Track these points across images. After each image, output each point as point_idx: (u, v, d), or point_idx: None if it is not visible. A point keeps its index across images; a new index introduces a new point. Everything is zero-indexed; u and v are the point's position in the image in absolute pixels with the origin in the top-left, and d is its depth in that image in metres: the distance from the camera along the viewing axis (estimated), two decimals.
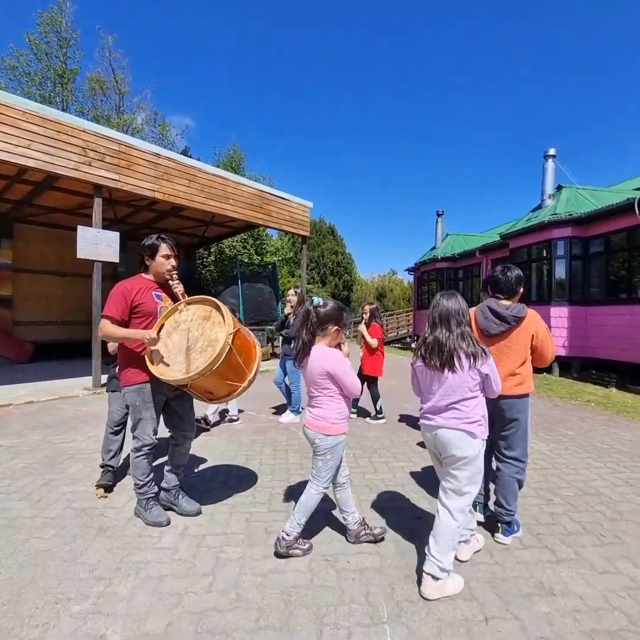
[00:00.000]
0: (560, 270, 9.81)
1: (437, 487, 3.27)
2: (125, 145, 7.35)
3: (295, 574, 2.15)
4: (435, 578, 1.97)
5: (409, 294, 35.55)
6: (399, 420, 5.37)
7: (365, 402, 5.62)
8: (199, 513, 2.77)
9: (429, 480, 3.42)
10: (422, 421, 2.21)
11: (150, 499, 2.70)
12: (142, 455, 2.67)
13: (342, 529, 2.60)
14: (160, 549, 2.37)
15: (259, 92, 71.12)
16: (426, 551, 2.05)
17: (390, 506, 2.91)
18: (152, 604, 1.91)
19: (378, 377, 5.34)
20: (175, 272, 2.74)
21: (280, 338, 5.39)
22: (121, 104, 21.12)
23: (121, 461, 3.37)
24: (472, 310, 2.73)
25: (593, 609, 1.92)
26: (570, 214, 9.53)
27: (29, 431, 4.66)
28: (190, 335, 2.56)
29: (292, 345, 2.76)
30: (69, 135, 6.57)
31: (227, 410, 5.24)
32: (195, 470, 3.58)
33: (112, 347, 3.02)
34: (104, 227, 7.13)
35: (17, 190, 8.75)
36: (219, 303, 2.62)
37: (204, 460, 3.82)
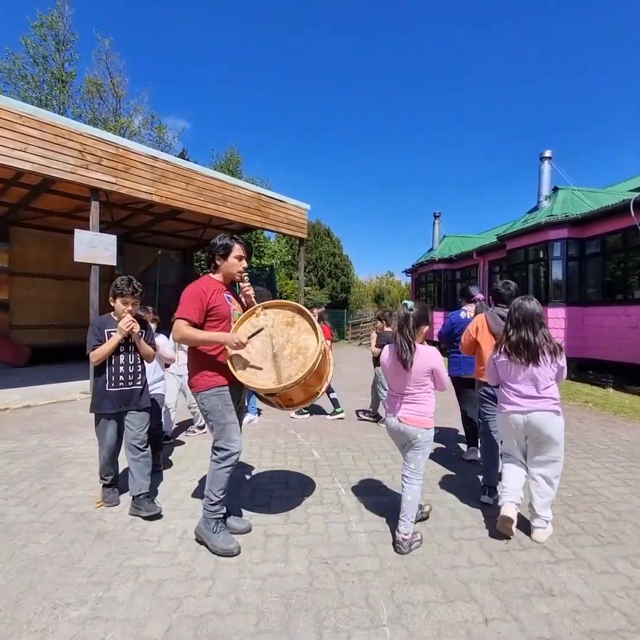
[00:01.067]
0: (557, 271, 9.86)
1: (435, 489, 3.29)
2: (122, 149, 7.35)
3: (294, 577, 2.15)
4: (544, 528, 2.52)
5: (406, 295, 35.61)
6: None
7: (322, 400, 5.80)
8: (249, 530, 2.61)
9: (428, 483, 3.42)
10: (508, 408, 2.58)
11: (219, 520, 2.43)
12: (229, 467, 2.41)
13: (340, 531, 2.60)
14: (159, 553, 2.36)
15: (255, 94, 71.29)
16: (532, 510, 2.57)
17: (390, 509, 2.91)
18: (151, 608, 1.91)
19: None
20: (246, 274, 2.64)
21: None
22: (118, 107, 21.12)
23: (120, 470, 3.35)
24: (482, 316, 3.11)
25: (592, 609, 1.93)
26: (567, 215, 9.57)
27: (26, 435, 4.64)
28: (274, 341, 2.45)
29: (390, 348, 2.58)
30: (65, 138, 6.56)
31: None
32: (193, 474, 3.57)
33: (96, 357, 2.82)
34: (101, 230, 7.11)
35: (13, 193, 8.73)
36: (303, 308, 2.56)
37: (201, 465, 3.80)
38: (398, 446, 2.66)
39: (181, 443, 4.41)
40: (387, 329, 5.28)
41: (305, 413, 5.68)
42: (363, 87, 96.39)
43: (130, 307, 2.92)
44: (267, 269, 14.36)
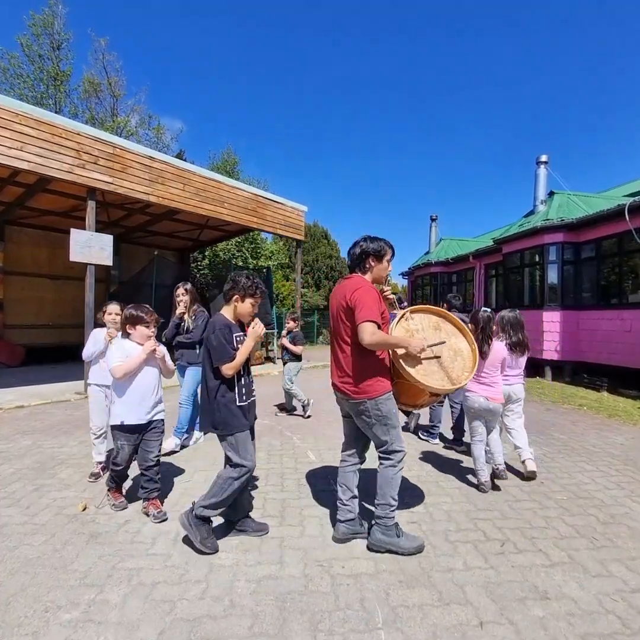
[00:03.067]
0: (552, 275, 9.91)
1: (430, 491, 3.28)
2: (119, 148, 7.33)
3: (289, 579, 2.14)
4: (533, 459, 3.54)
5: (403, 298, 35.66)
6: None
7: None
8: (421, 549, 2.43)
9: (425, 484, 3.42)
10: (503, 386, 3.50)
11: (396, 524, 2.45)
12: (401, 469, 2.52)
13: None
14: (153, 555, 2.34)
15: (254, 95, 71.35)
16: (520, 451, 3.57)
17: None
18: (144, 611, 1.89)
19: None
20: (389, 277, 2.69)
21: (178, 345, 4.34)
22: (115, 107, 21.07)
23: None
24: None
25: (587, 612, 1.93)
26: (562, 220, 9.64)
27: (19, 436, 4.59)
28: (428, 344, 2.52)
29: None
30: (62, 137, 6.53)
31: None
32: (188, 477, 3.55)
33: (234, 369, 2.41)
34: (97, 230, 7.08)
35: (8, 192, 8.68)
36: (446, 312, 2.76)
37: (196, 467, 3.78)
38: (480, 418, 3.41)
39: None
40: None
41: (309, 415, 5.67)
42: (362, 89, 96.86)
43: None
44: (264, 270, 14.34)
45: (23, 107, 6.24)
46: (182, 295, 4.34)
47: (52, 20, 18.29)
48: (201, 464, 3.81)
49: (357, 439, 2.67)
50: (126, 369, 2.73)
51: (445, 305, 5.27)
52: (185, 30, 51.50)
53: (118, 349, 2.80)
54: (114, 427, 2.81)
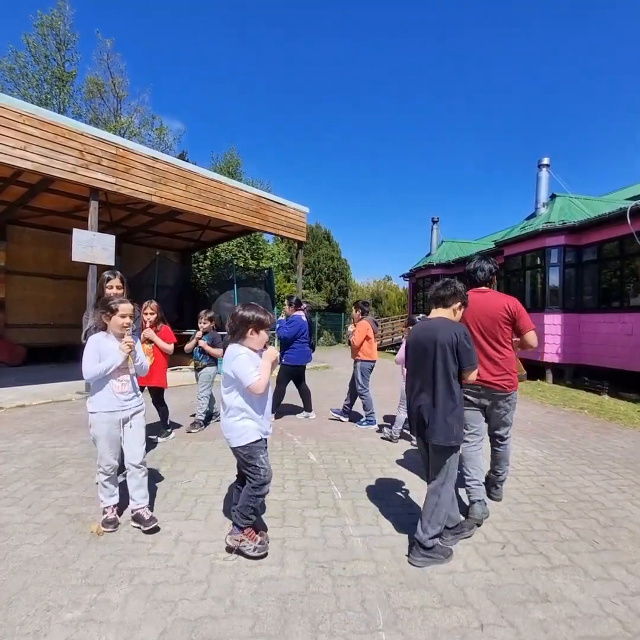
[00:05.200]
0: (553, 278, 9.92)
1: None
2: (122, 149, 7.35)
3: (290, 581, 2.14)
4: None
5: (404, 299, 35.67)
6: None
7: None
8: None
9: (425, 487, 3.42)
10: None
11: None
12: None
13: (336, 535, 2.60)
14: (155, 555, 2.34)
15: (255, 97, 71.51)
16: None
17: (387, 513, 2.91)
18: (146, 611, 1.89)
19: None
20: None
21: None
22: (119, 107, 21.15)
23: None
24: (367, 322, 4.59)
25: (587, 615, 1.93)
26: (564, 223, 9.65)
27: (20, 435, 4.60)
28: None
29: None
30: (66, 138, 6.56)
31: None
32: (189, 476, 3.56)
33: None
34: (100, 230, 7.10)
35: (11, 191, 8.70)
36: None
37: (197, 467, 3.79)
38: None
39: (177, 445, 4.39)
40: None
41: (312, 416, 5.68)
42: (364, 91, 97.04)
43: None
44: (266, 271, 14.34)
45: (27, 107, 6.27)
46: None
47: (59, 20, 18.38)
48: (201, 464, 3.81)
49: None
50: (265, 380, 2.35)
51: (358, 310, 5.62)
52: (187, 30, 51.67)
53: (250, 361, 2.33)
54: (254, 443, 2.39)
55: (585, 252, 9.71)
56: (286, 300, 5.85)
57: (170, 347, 4.51)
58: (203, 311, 5.27)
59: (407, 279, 20.13)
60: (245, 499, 2.38)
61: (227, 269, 15.23)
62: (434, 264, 16.48)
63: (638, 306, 8.28)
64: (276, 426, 5.26)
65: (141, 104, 21.59)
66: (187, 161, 13.85)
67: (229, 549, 2.36)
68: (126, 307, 2.63)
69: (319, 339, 22.14)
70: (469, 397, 2.91)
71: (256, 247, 19.38)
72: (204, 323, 5.11)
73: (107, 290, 3.30)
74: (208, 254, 17.85)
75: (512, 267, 11.34)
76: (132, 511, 2.68)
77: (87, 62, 27.99)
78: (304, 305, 5.86)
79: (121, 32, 40.74)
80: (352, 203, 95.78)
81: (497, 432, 3.02)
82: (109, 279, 3.35)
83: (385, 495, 3.21)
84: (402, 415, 4.59)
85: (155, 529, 2.59)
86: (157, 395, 4.57)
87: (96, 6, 35.32)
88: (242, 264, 17.70)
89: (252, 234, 16.87)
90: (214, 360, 5.16)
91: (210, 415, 5.29)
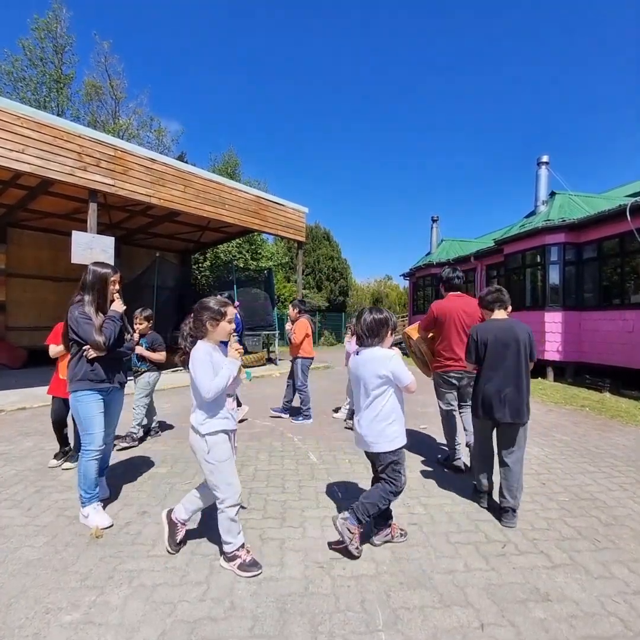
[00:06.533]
0: (553, 276, 9.89)
1: (432, 493, 3.28)
2: (120, 151, 7.36)
3: (290, 581, 2.13)
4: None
5: (404, 299, 35.64)
6: None
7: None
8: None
9: (425, 486, 3.41)
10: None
11: None
12: None
13: (337, 535, 2.58)
14: (154, 557, 2.34)
15: (254, 97, 71.58)
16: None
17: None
18: (145, 613, 1.89)
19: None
20: None
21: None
22: (117, 109, 21.17)
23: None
24: (306, 320, 5.20)
25: (589, 614, 1.92)
26: (564, 220, 9.62)
27: (21, 438, 4.60)
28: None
29: None
30: (64, 140, 6.57)
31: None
32: (189, 478, 3.55)
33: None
34: (99, 232, 7.11)
35: (11, 194, 8.72)
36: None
37: (197, 468, 3.77)
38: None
39: (177, 446, 4.39)
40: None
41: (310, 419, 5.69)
42: (362, 91, 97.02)
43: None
44: (265, 271, 14.34)
45: (25, 110, 6.28)
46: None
47: (55, 23, 18.39)
48: None
49: None
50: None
51: (295, 309, 5.71)
52: (186, 31, 51.69)
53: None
54: (401, 449, 2.47)
55: (586, 250, 9.68)
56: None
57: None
58: (138, 310, 4.44)
59: (407, 278, 20.09)
60: (377, 499, 2.41)
61: (227, 270, 15.24)
62: (434, 263, 16.46)
63: (638, 303, 8.25)
64: (276, 427, 5.26)
65: (139, 105, 21.63)
66: (186, 162, 13.86)
67: (339, 541, 2.36)
68: (232, 311, 2.30)
69: (320, 339, 22.14)
70: (452, 380, 3.70)
71: (256, 247, 19.39)
72: (140, 324, 4.39)
73: (110, 288, 2.89)
74: (208, 255, 17.86)
75: (512, 265, 11.32)
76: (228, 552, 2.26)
77: (85, 64, 28.00)
78: (237, 302, 6.00)
79: (118, 34, 40.83)
80: (352, 203, 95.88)
81: (468, 400, 3.59)
82: (112, 274, 2.92)
83: None
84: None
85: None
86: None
87: (93, 8, 35.38)
88: (241, 265, 17.71)
89: (252, 235, 16.87)
90: (156, 366, 4.52)
91: (148, 429, 4.66)
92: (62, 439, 3.83)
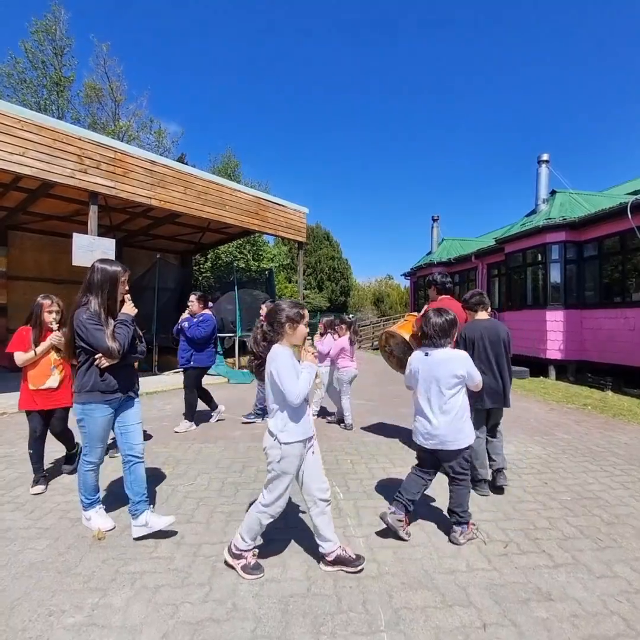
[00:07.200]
0: (555, 274, 9.87)
1: (433, 493, 3.28)
2: (120, 153, 7.37)
3: (292, 582, 2.14)
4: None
5: (405, 298, 35.63)
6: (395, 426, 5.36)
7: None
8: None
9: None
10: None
11: None
12: None
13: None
14: (156, 558, 2.34)
15: (254, 98, 71.63)
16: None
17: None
18: (147, 615, 1.89)
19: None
20: None
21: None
22: (117, 111, 21.20)
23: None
24: None
25: (591, 614, 1.92)
26: (564, 219, 9.61)
27: (22, 440, 4.60)
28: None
29: None
30: (64, 143, 6.57)
31: None
32: (190, 479, 3.56)
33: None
34: (100, 234, 7.11)
35: (11, 197, 8.73)
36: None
37: (199, 470, 3.79)
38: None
39: (179, 448, 4.40)
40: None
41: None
42: (362, 91, 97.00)
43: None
44: (266, 272, 14.37)
45: (25, 113, 6.29)
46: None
47: (54, 25, 18.42)
48: (203, 467, 3.82)
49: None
50: None
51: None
52: (185, 31, 51.76)
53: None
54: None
55: (586, 248, 9.66)
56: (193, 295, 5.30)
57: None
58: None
59: (408, 277, 20.08)
60: (464, 497, 2.58)
61: (228, 271, 15.26)
62: (435, 262, 16.43)
63: None
64: None
65: (139, 107, 21.64)
66: (186, 164, 13.89)
67: (460, 540, 2.50)
68: (307, 314, 2.24)
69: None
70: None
71: (256, 248, 19.40)
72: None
73: (120, 288, 2.59)
74: (209, 256, 17.88)
75: (513, 264, 11.31)
76: (328, 554, 2.23)
77: (85, 67, 28.02)
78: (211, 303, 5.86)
79: (117, 36, 40.89)
80: (352, 203, 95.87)
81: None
82: (122, 273, 2.60)
83: (388, 496, 3.19)
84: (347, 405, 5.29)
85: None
86: (64, 420, 3.63)
87: (92, 9, 35.46)
88: (242, 266, 17.73)
89: (253, 236, 16.88)
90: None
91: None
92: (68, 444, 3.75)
